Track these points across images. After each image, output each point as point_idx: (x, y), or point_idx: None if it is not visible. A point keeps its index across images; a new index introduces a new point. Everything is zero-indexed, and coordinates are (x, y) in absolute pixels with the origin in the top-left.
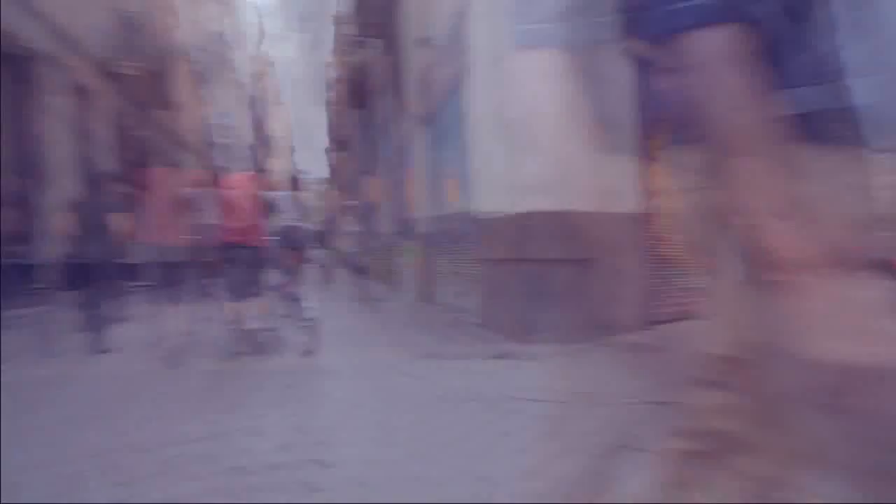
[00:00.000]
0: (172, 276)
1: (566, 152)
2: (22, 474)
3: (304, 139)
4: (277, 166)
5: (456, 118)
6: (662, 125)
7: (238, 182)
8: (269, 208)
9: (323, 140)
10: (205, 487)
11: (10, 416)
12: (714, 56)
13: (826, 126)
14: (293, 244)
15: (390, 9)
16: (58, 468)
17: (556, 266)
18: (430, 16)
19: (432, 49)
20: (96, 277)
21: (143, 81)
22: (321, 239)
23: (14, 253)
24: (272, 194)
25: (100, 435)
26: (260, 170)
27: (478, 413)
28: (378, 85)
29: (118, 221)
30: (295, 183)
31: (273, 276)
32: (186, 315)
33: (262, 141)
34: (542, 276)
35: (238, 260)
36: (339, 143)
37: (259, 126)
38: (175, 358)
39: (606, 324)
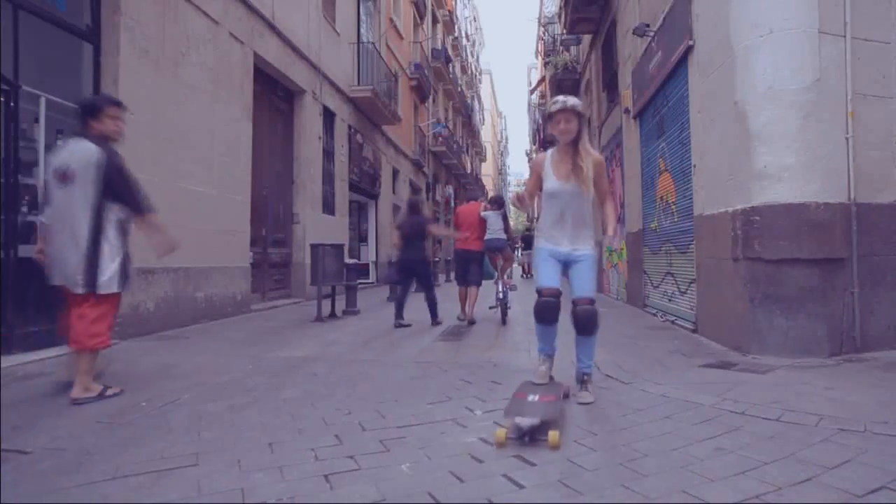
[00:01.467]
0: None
1: (814, 135)
2: (260, 437)
3: (511, 142)
4: (490, 170)
5: (674, 108)
6: None
7: (469, 207)
8: (484, 224)
9: (525, 142)
10: (413, 469)
11: (266, 388)
12: None
13: None
14: (497, 250)
15: (603, 2)
16: (291, 437)
17: (791, 267)
18: (646, 4)
19: (648, 38)
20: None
21: (373, 101)
22: (528, 242)
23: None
24: (485, 213)
25: (328, 411)
26: (478, 197)
27: (691, 424)
28: (585, 81)
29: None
30: (500, 202)
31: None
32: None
33: (477, 147)
34: (774, 279)
35: (467, 260)
36: (542, 144)
37: (474, 133)
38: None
39: (857, 336)
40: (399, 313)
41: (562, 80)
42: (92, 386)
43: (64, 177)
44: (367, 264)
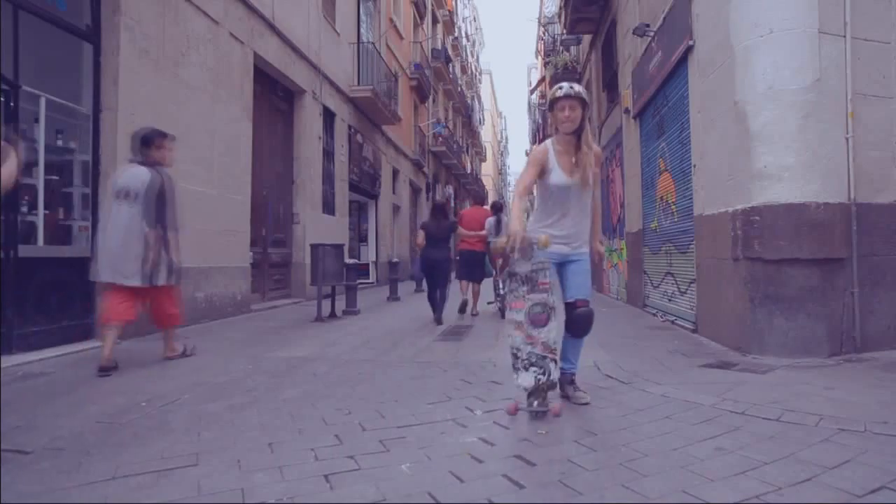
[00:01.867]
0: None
1: (814, 135)
2: (260, 437)
3: (511, 142)
4: (490, 170)
5: (674, 108)
6: None
7: (474, 211)
8: (486, 229)
9: (525, 142)
10: (413, 469)
11: (266, 388)
12: None
13: None
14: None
15: (603, 2)
16: (291, 437)
17: (791, 267)
18: (646, 4)
19: (648, 38)
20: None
21: (373, 101)
22: None
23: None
24: (487, 221)
25: (327, 411)
26: (484, 201)
27: (691, 424)
28: (585, 81)
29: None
30: (499, 207)
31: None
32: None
33: (477, 147)
34: (774, 279)
35: (471, 259)
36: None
37: (473, 133)
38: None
39: (857, 336)
40: (435, 308)
41: (562, 79)
42: (176, 347)
43: (125, 195)
44: (367, 264)
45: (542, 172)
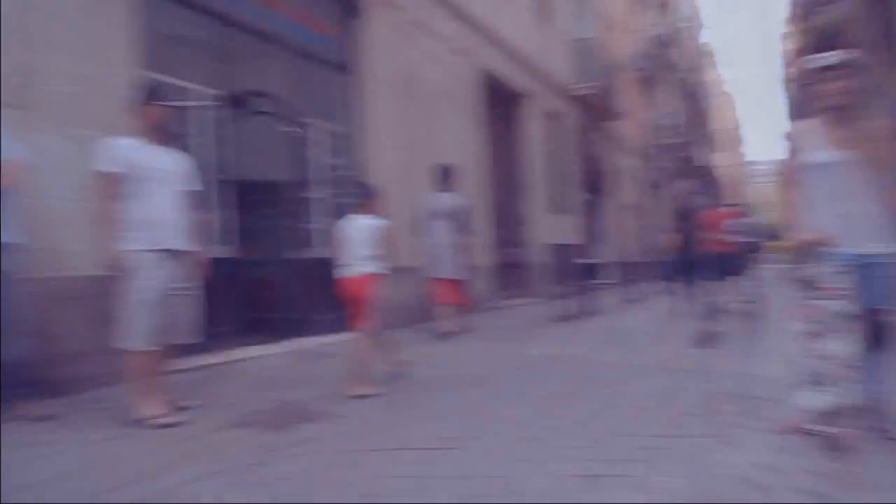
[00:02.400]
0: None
1: None
2: (516, 430)
3: (756, 124)
4: (725, 160)
5: None
6: None
7: (713, 214)
8: (731, 229)
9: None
10: (675, 484)
11: (515, 382)
12: None
13: None
14: (742, 252)
15: None
16: (545, 434)
17: None
18: None
19: None
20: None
21: (596, 98)
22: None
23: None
24: (731, 221)
25: (577, 411)
26: (732, 205)
27: None
28: (859, 43)
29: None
30: (736, 210)
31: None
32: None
33: (706, 136)
34: None
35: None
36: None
37: (702, 122)
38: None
39: None
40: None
41: (822, 47)
42: (456, 324)
43: (440, 216)
44: (599, 264)
45: (806, 154)
